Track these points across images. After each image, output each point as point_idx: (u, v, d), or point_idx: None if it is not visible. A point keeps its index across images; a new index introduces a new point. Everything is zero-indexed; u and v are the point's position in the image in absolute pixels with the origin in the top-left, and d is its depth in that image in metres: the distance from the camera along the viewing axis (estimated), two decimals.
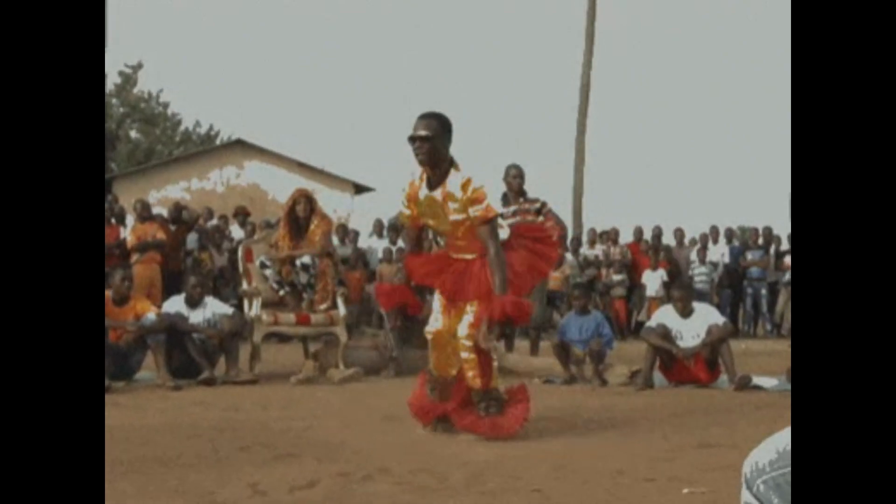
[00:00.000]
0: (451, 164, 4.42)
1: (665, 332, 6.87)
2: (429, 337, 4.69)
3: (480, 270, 4.45)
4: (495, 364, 4.60)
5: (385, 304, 5.35)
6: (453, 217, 4.40)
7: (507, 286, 4.33)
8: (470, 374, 4.50)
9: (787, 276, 12.76)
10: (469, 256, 4.53)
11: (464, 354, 4.49)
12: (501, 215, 4.78)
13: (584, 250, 13.72)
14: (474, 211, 4.35)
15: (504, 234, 4.57)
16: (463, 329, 4.45)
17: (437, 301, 4.71)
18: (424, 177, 4.48)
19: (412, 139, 4.35)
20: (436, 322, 4.64)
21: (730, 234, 13.94)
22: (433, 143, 4.34)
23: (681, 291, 7.13)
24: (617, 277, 13.04)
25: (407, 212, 4.63)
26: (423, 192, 4.48)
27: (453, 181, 4.37)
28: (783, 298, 13.00)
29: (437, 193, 4.41)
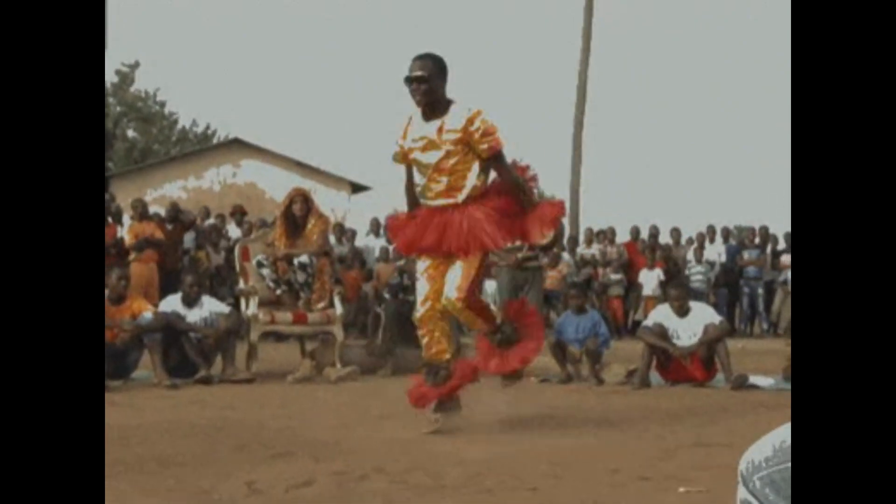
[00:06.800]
0: (451, 102, 4.47)
1: (662, 332, 6.88)
2: (416, 322, 4.70)
3: (461, 221, 4.46)
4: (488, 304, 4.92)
5: None
6: (447, 147, 4.42)
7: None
8: (476, 325, 4.71)
9: (784, 275, 12.77)
10: (448, 202, 4.50)
11: (460, 315, 4.60)
12: None
13: (581, 249, 13.72)
14: (486, 143, 4.40)
15: None
16: (451, 292, 4.47)
17: (421, 281, 4.70)
18: (420, 112, 4.53)
19: (409, 80, 4.42)
20: (423, 305, 4.64)
21: (726, 234, 13.94)
22: (430, 83, 4.41)
23: (677, 290, 7.13)
24: (614, 276, 13.04)
25: (397, 148, 4.65)
26: (417, 124, 4.52)
27: (455, 113, 4.42)
28: (779, 297, 13.01)
29: (432, 125, 4.46)
